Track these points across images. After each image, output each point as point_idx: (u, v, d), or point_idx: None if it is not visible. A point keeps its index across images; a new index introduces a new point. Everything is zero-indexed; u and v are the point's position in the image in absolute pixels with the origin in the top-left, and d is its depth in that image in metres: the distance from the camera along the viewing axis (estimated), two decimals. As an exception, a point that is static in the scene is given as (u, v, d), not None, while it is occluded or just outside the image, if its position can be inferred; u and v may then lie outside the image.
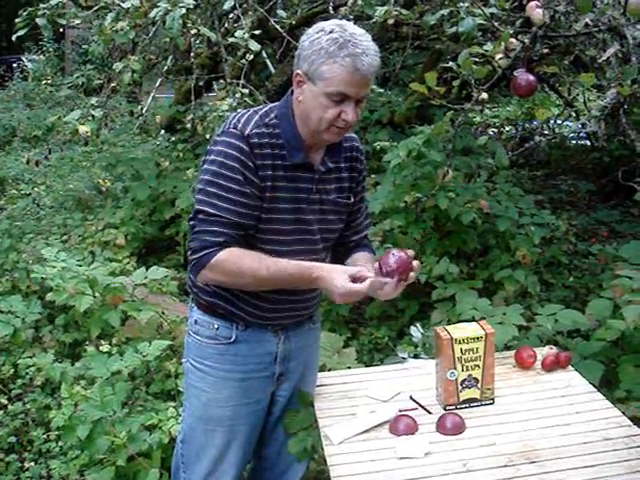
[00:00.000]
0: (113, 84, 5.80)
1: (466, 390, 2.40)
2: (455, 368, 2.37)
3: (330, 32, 2.11)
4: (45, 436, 3.72)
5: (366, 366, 3.95)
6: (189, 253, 2.23)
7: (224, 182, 2.17)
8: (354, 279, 2.17)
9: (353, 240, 2.55)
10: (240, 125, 2.22)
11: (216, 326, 2.40)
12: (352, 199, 2.46)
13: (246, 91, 5.07)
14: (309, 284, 2.24)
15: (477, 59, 3.33)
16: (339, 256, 2.52)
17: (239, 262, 2.17)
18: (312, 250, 2.35)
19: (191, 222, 2.24)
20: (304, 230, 2.32)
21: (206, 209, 2.18)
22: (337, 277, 2.17)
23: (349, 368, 3.45)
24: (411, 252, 2.22)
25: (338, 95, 2.13)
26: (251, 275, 2.19)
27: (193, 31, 5.05)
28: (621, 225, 7.13)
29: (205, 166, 2.25)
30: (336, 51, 2.08)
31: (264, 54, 7.62)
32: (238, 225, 2.18)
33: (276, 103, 2.35)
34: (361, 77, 2.12)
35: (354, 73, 2.10)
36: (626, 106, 4.43)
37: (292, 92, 2.30)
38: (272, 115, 2.28)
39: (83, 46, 16.26)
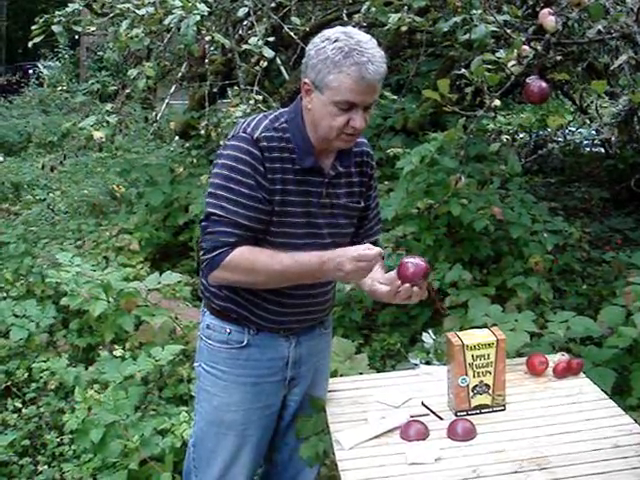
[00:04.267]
0: (128, 90, 5.83)
1: (477, 396, 2.40)
2: (466, 374, 2.37)
3: (335, 41, 2.12)
4: (58, 439, 3.74)
5: (378, 372, 3.95)
6: (201, 254, 2.24)
7: (235, 186, 2.19)
8: None
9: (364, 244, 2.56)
10: (250, 129, 2.24)
11: (228, 330, 2.41)
12: (362, 203, 2.48)
13: (260, 97, 5.09)
14: (319, 270, 2.20)
15: (490, 66, 3.33)
16: None
17: (252, 259, 2.19)
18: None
19: (202, 224, 2.26)
20: (314, 234, 2.33)
21: (217, 212, 2.20)
22: (344, 249, 2.20)
23: (361, 374, 3.46)
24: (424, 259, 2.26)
25: (345, 104, 2.14)
26: (265, 270, 2.20)
27: (207, 38, 5.08)
28: (635, 233, 7.08)
29: (215, 170, 2.27)
30: (341, 60, 2.09)
31: (278, 61, 7.65)
32: (248, 228, 2.20)
33: (286, 108, 2.37)
34: (367, 85, 2.13)
35: (360, 82, 2.11)
36: (640, 113, 4.42)
37: (301, 98, 2.31)
38: (282, 120, 2.29)
39: (98, 53, 16.36)
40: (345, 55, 2.09)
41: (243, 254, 2.19)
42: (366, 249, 2.17)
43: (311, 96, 2.21)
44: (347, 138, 2.24)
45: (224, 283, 2.31)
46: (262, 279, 2.25)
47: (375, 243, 2.59)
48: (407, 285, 2.22)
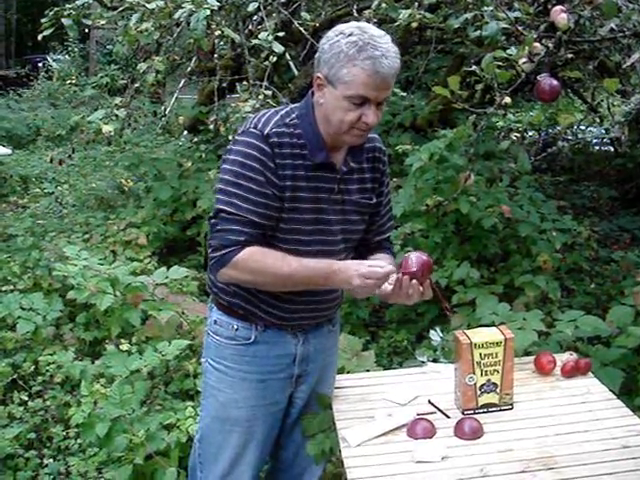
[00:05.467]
0: (137, 84, 5.83)
1: (485, 395, 2.39)
2: (474, 373, 2.36)
3: (349, 35, 2.11)
4: (64, 433, 3.75)
5: (385, 369, 3.95)
6: (210, 251, 2.23)
7: (245, 182, 2.18)
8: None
9: (375, 241, 2.55)
10: (260, 125, 2.22)
11: (235, 327, 2.41)
12: (374, 199, 2.46)
13: (269, 93, 5.08)
14: (328, 278, 2.22)
15: (501, 63, 3.31)
16: (360, 256, 2.51)
17: (262, 260, 2.19)
18: (332, 251, 2.35)
19: (212, 221, 2.25)
20: (325, 230, 2.32)
21: (227, 208, 2.19)
22: (356, 263, 2.22)
23: (368, 371, 3.45)
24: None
25: (359, 98, 2.13)
26: (273, 273, 2.20)
27: (217, 32, 5.06)
28: (643, 232, 7.08)
29: (225, 165, 2.25)
30: (356, 54, 2.08)
31: (287, 56, 7.64)
32: (259, 225, 2.19)
33: (297, 104, 2.36)
34: (381, 80, 2.11)
35: (374, 76, 2.09)
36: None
37: (312, 93, 2.30)
38: (293, 115, 2.28)
39: (107, 46, 16.38)
40: (359, 49, 2.08)
41: (253, 255, 2.18)
42: (377, 266, 2.18)
43: (323, 91, 2.19)
44: (358, 134, 2.22)
45: (232, 281, 2.30)
46: (270, 281, 2.24)
47: (387, 240, 2.59)
48: (406, 278, 2.21)
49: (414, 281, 2.21)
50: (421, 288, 2.23)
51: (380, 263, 2.22)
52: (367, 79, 2.09)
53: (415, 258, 2.21)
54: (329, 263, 2.22)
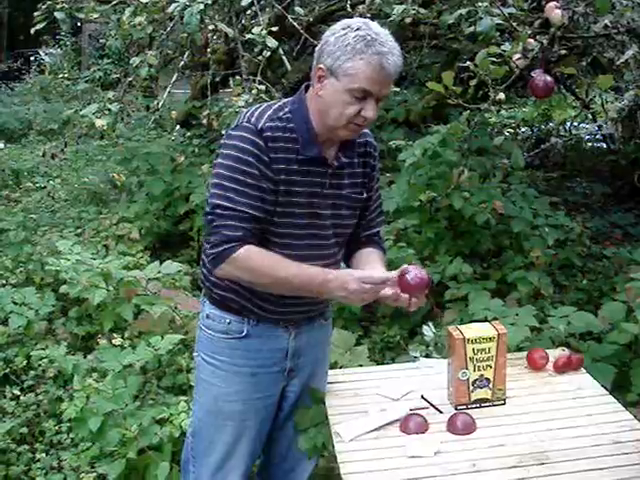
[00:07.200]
0: (130, 79, 5.80)
1: (477, 390, 2.39)
2: (467, 368, 2.36)
3: (357, 29, 2.12)
4: (56, 427, 3.74)
5: (378, 364, 3.95)
6: (208, 247, 2.22)
7: (241, 176, 2.17)
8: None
9: (364, 235, 2.55)
10: (254, 119, 2.22)
11: (228, 320, 2.41)
12: (365, 194, 2.47)
13: (262, 87, 5.06)
14: (324, 284, 2.21)
15: (495, 59, 3.32)
16: (349, 251, 2.53)
17: (260, 260, 2.19)
18: (324, 245, 2.36)
19: (208, 217, 2.23)
20: (317, 225, 2.33)
21: (224, 203, 2.18)
22: (351, 272, 2.25)
23: (361, 366, 3.45)
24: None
25: (361, 92, 2.14)
26: (269, 274, 2.21)
27: (211, 27, 5.05)
28: (635, 228, 7.08)
29: (220, 160, 2.25)
30: (363, 48, 2.10)
31: (281, 51, 7.63)
32: (255, 219, 2.19)
33: (289, 98, 2.36)
34: (386, 76, 2.13)
35: (380, 71, 2.11)
36: (644, 109, 4.41)
37: (306, 88, 2.31)
38: (286, 109, 2.28)
39: (100, 40, 16.31)
40: (367, 43, 2.10)
41: (251, 254, 2.18)
42: (373, 271, 2.22)
43: (324, 82, 2.19)
44: (354, 128, 2.23)
45: (229, 278, 2.29)
46: (265, 281, 2.24)
47: (377, 235, 2.59)
48: (406, 296, 2.23)
49: (414, 299, 2.23)
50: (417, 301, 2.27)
51: (373, 276, 2.23)
52: (372, 73, 2.11)
53: (415, 277, 2.21)
54: (325, 271, 2.22)
